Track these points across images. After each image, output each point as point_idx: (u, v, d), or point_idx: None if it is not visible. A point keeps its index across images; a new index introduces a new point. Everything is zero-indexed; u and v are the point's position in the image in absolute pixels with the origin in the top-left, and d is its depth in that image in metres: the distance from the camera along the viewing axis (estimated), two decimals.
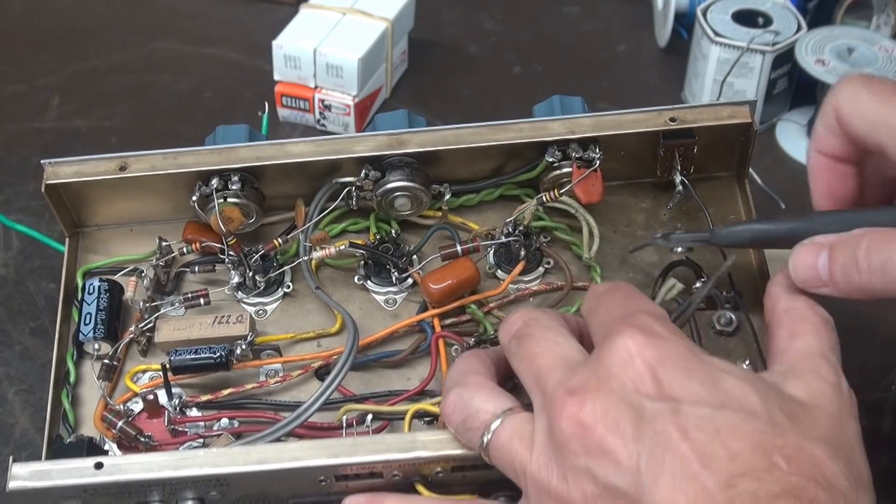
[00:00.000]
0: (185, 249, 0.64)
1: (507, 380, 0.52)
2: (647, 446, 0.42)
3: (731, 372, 0.45)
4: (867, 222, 0.49)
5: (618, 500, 0.43)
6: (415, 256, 0.64)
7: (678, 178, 0.63)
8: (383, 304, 0.63)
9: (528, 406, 0.48)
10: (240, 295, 0.63)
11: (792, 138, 0.85)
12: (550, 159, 0.62)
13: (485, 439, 0.48)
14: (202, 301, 0.62)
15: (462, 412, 0.49)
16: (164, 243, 0.63)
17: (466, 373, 0.51)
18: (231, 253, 0.62)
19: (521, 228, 0.62)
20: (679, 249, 0.60)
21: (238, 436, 0.57)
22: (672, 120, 0.62)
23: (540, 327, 0.50)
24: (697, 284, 0.59)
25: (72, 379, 0.60)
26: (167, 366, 0.58)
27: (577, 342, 0.49)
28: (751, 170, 0.68)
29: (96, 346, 0.61)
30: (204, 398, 0.59)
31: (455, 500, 0.53)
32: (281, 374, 0.60)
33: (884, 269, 0.47)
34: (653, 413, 0.43)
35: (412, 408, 0.56)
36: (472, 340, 0.60)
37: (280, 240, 0.63)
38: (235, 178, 0.62)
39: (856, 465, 0.43)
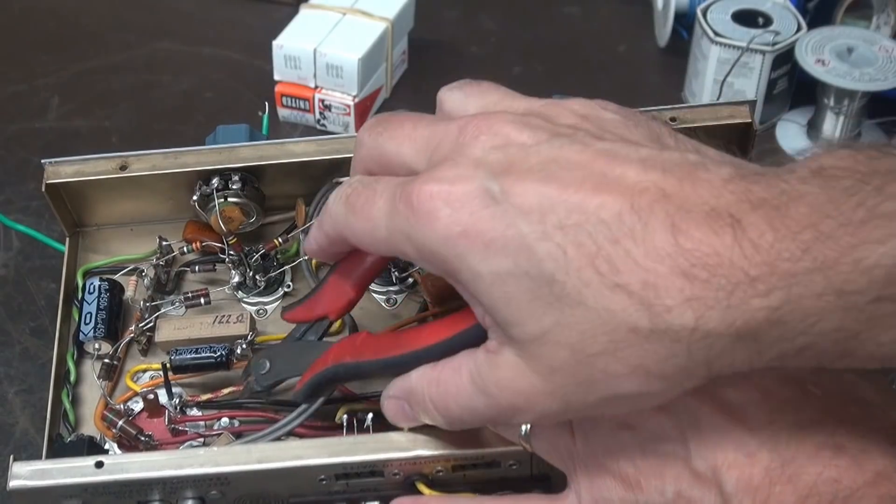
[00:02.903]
0: (185, 249, 0.64)
1: None
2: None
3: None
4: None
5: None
6: None
7: None
8: (383, 304, 0.63)
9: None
10: (240, 294, 0.63)
11: (792, 138, 0.85)
12: None
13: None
14: (202, 300, 0.62)
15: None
16: (164, 243, 0.63)
17: None
18: (231, 252, 0.62)
19: None
20: None
21: (238, 435, 0.57)
22: (672, 120, 0.62)
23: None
24: None
25: (72, 378, 0.60)
26: (167, 365, 0.58)
27: None
28: None
29: (96, 345, 0.61)
30: (204, 397, 0.59)
31: (496, 499, 0.51)
32: None
33: (461, 421, 0.45)
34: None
35: None
36: None
37: (280, 239, 0.63)
38: (236, 178, 0.62)
39: None
